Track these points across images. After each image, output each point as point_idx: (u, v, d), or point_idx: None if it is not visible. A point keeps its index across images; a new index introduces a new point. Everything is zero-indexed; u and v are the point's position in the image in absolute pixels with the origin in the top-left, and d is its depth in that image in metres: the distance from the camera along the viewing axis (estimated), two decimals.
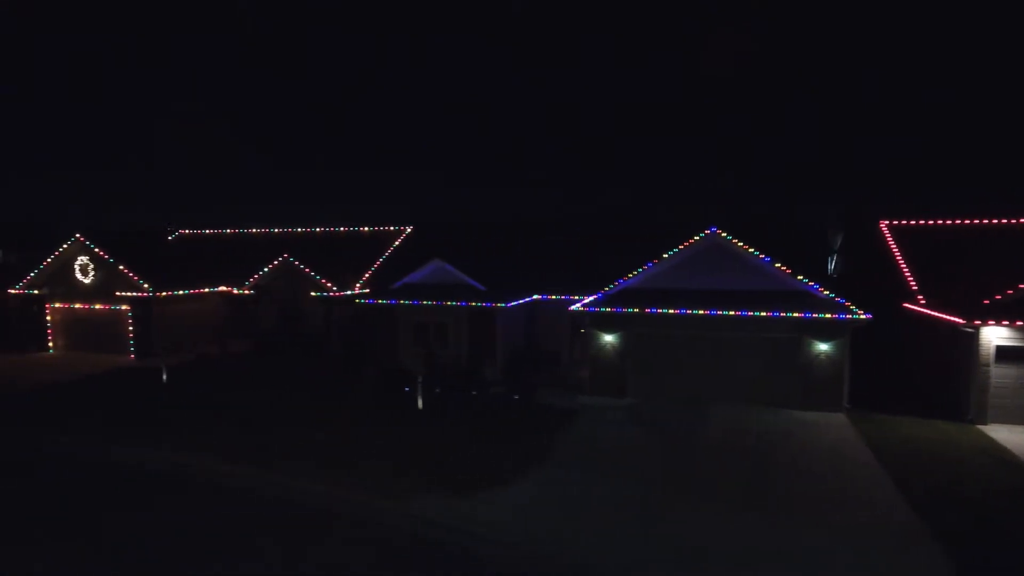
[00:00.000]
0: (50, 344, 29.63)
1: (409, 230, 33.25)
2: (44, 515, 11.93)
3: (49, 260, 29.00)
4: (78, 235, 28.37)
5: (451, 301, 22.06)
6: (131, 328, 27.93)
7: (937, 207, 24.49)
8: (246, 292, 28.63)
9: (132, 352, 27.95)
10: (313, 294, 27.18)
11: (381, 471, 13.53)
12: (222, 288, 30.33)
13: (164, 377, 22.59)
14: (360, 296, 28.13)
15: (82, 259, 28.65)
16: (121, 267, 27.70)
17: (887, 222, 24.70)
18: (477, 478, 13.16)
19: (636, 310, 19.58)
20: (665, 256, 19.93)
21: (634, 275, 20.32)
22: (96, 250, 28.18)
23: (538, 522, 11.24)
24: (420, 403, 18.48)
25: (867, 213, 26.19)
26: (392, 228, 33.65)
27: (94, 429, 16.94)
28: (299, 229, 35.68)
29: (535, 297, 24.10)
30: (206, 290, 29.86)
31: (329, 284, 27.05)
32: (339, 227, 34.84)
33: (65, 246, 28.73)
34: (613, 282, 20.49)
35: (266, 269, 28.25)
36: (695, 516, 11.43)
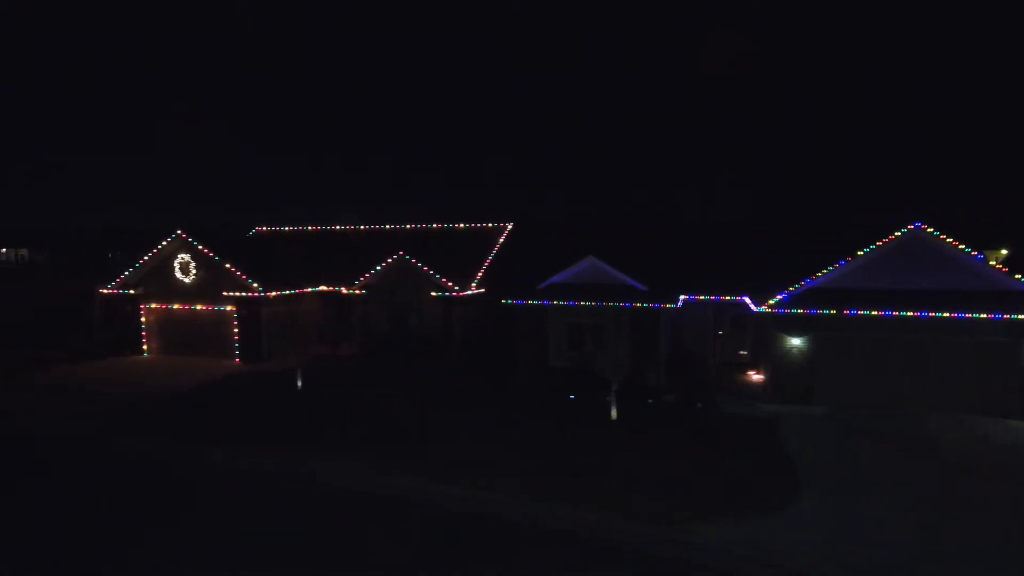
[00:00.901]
0: (144, 347, 28.13)
1: (510, 227, 31.77)
2: None
3: (145, 258, 27.47)
4: (179, 231, 26.83)
5: (612, 301, 20.63)
6: (236, 330, 26.42)
7: None
8: (356, 292, 27.13)
9: (237, 355, 26.44)
10: (433, 294, 25.72)
11: (640, 496, 12.16)
12: (322, 287, 28.80)
13: (299, 383, 21.13)
14: (478, 295, 26.76)
15: (183, 257, 27.10)
16: (228, 265, 26.17)
17: None
18: (744, 502, 11.91)
19: (833, 312, 18.19)
20: (860, 253, 18.54)
21: (822, 274, 18.93)
22: (200, 247, 26.65)
23: (862, 551, 9.98)
24: (614, 413, 17.08)
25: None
26: (491, 225, 32.16)
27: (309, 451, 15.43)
28: (387, 226, 34.18)
29: (683, 297, 22.69)
30: (309, 289, 28.34)
31: (449, 283, 25.60)
32: (431, 223, 33.39)
33: (164, 243, 27.18)
34: (799, 281, 19.12)
35: (378, 268, 26.74)
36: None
